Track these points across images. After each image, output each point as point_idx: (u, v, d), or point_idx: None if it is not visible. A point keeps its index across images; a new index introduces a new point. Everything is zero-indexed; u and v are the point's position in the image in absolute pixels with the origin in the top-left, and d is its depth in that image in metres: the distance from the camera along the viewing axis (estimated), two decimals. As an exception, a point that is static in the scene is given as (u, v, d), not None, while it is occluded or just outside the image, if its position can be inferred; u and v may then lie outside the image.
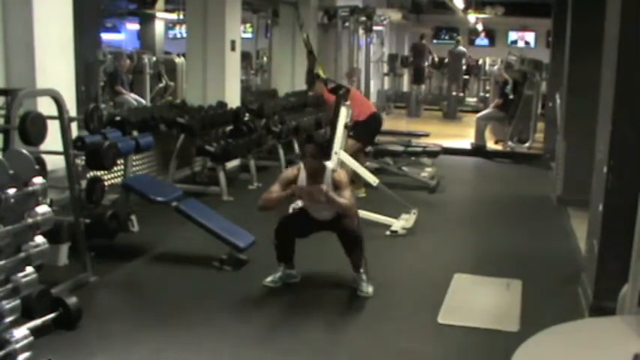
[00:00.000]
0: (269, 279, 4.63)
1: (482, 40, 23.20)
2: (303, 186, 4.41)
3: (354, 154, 6.85)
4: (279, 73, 12.43)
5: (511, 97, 11.19)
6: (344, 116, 6.26)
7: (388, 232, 5.94)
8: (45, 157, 4.23)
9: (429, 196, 7.72)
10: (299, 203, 4.68)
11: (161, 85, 13.12)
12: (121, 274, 4.79)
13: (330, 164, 4.57)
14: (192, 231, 5.17)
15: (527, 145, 11.20)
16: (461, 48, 17.34)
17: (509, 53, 12.45)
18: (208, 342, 3.74)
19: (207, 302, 4.34)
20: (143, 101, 11.72)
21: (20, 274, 2.76)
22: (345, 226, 4.39)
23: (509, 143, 11.13)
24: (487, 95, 15.28)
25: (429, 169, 8.62)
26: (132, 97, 11.58)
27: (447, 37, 22.42)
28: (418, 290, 4.73)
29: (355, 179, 6.65)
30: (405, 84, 19.08)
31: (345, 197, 4.33)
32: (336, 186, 4.37)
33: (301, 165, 4.50)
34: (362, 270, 4.51)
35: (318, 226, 4.54)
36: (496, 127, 11.47)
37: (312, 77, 10.81)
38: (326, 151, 4.58)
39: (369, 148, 7.82)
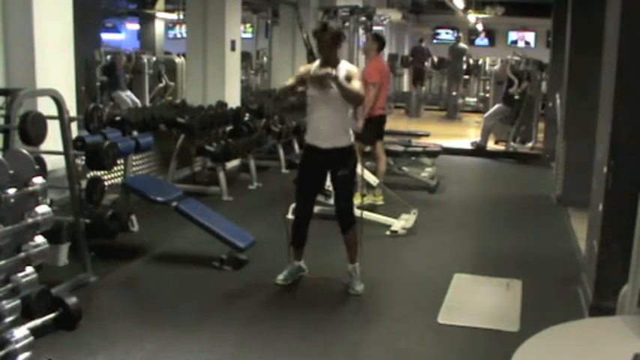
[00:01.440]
0: (280, 277, 4.63)
1: (482, 40, 23.21)
2: (313, 69, 4.38)
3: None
4: (279, 73, 12.43)
5: (516, 97, 11.18)
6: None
7: (388, 232, 5.94)
8: (45, 157, 4.23)
9: (429, 196, 7.72)
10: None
11: (161, 85, 13.13)
12: (121, 274, 4.79)
13: (344, 61, 4.54)
14: (192, 231, 5.17)
15: (529, 145, 11.20)
16: (462, 45, 17.33)
17: (513, 53, 12.45)
18: (208, 342, 3.74)
19: (208, 302, 4.34)
20: (138, 101, 11.72)
21: (20, 274, 2.76)
22: (345, 161, 4.45)
23: (512, 143, 11.12)
24: (487, 95, 15.27)
25: (429, 169, 8.62)
26: (126, 95, 11.60)
27: (445, 35, 22.42)
28: (418, 290, 4.73)
29: (372, 187, 6.65)
30: (405, 84, 19.09)
31: (355, 86, 4.31)
32: (347, 78, 4.33)
33: (315, 63, 4.49)
34: (357, 264, 4.54)
35: (326, 162, 4.50)
36: (497, 127, 11.44)
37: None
38: (341, 38, 4.51)
39: (368, 148, 7.82)
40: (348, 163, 4.49)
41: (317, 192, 4.79)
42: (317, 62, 4.48)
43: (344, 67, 4.40)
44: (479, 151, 11.06)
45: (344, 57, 7.26)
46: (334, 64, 4.38)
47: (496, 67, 12.79)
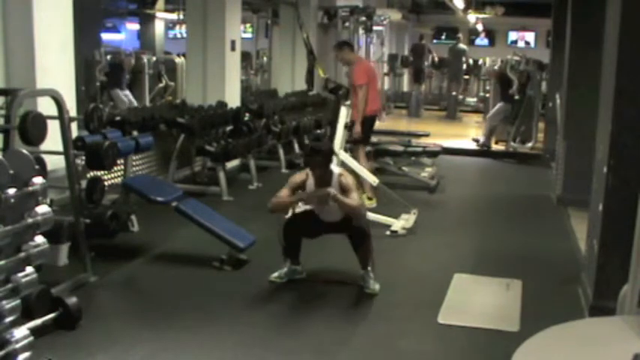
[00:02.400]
0: (275, 274, 4.66)
1: (482, 40, 23.21)
2: (311, 191, 4.46)
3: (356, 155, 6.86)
4: (279, 73, 12.43)
5: (517, 97, 11.18)
6: (344, 116, 6.27)
7: (388, 232, 5.94)
8: (45, 157, 4.23)
9: (429, 196, 7.72)
10: (307, 207, 4.70)
11: (161, 85, 13.12)
12: (121, 274, 4.79)
13: (336, 169, 4.61)
14: (192, 231, 5.17)
15: (529, 145, 11.21)
16: (461, 45, 17.33)
17: (513, 53, 12.45)
18: (208, 342, 3.74)
19: (208, 302, 4.34)
20: (134, 102, 11.72)
21: (20, 274, 2.76)
22: (353, 224, 4.46)
23: (512, 144, 11.13)
24: (487, 95, 15.29)
25: (429, 169, 8.62)
26: (124, 95, 11.63)
27: (445, 37, 22.42)
28: (418, 290, 4.73)
29: (365, 189, 6.64)
30: (405, 84, 19.09)
31: (353, 199, 4.38)
32: (343, 189, 4.41)
33: (309, 171, 4.54)
34: (369, 267, 4.55)
35: (327, 228, 4.61)
36: (499, 127, 11.45)
37: (312, 77, 10.82)
38: (331, 157, 4.65)
39: (368, 148, 7.81)
40: (353, 224, 4.49)
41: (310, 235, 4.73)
42: (310, 180, 4.50)
43: (336, 180, 4.45)
44: (482, 151, 11.06)
45: (345, 57, 7.32)
46: (328, 179, 4.45)
47: (488, 66, 12.77)
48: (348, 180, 4.50)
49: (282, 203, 4.50)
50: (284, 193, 4.49)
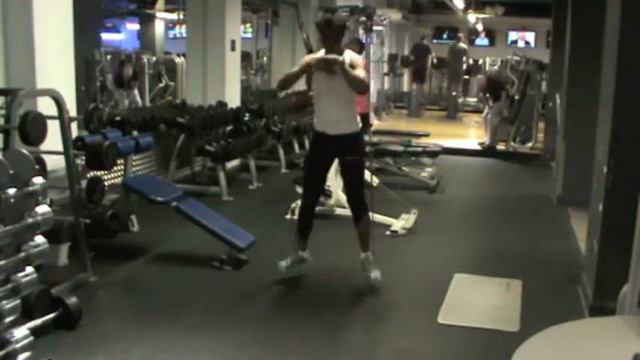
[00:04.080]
0: (282, 263, 4.68)
1: (482, 40, 23.20)
2: (319, 56, 4.45)
3: None
4: (279, 73, 12.39)
5: (516, 97, 11.19)
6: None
7: (388, 232, 5.94)
8: (45, 157, 4.23)
9: (429, 196, 7.72)
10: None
11: (161, 85, 13.13)
12: (121, 274, 4.79)
13: (347, 52, 4.58)
14: (192, 231, 5.17)
15: (529, 145, 11.21)
16: (461, 45, 17.32)
17: (513, 53, 12.45)
18: (208, 342, 3.74)
19: (207, 302, 4.34)
20: (140, 102, 11.82)
21: (20, 274, 2.76)
22: (354, 148, 4.52)
23: (512, 143, 11.13)
24: (487, 95, 15.29)
25: (429, 169, 8.62)
26: (127, 94, 11.76)
27: (446, 37, 22.42)
28: (418, 290, 4.74)
29: None
30: (405, 84, 19.09)
31: (359, 74, 4.37)
32: (352, 65, 4.39)
33: (318, 53, 4.56)
34: (369, 252, 4.58)
35: (334, 148, 4.57)
36: (500, 127, 11.45)
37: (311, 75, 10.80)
38: (344, 30, 4.63)
39: (368, 148, 7.81)
40: (357, 149, 4.57)
41: (324, 180, 4.84)
42: (321, 52, 4.55)
43: (348, 56, 4.46)
44: (482, 151, 11.07)
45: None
46: (338, 53, 4.44)
47: (479, 77, 12.80)
48: (357, 59, 4.51)
49: (291, 74, 4.59)
50: (295, 69, 4.57)
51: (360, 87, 4.42)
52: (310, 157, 4.79)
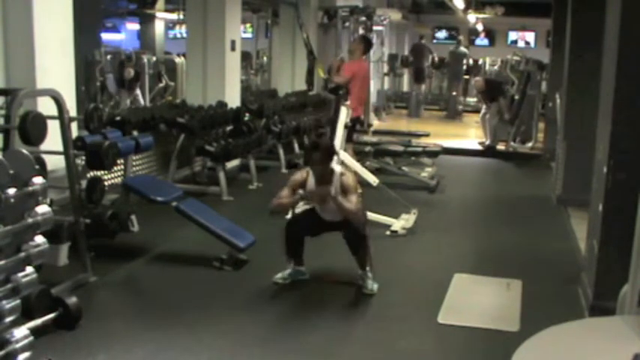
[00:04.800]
0: (278, 276, 4.65)
1: (482, 40, 23.20)
2: (312, 189, 4.45)
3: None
4: (279, 73, 12.43)
5: (516, 97, 11.19)
6: (344, 116, 6.28)
7: (388, 232, 5.94)
8: (45, 157, 4.23)
9: (429, 196, 7.72)
10: (308, 206, 4.71)
11: (161, 85, 13.13)
12: (121, 274, 4.79)
13: (337, 168, 4.60)
14: (192, 231, 5.17)
15: (529, 145, 11.21)
16: (462, 49, 17.34)
17: (513, 53, 12.46)
18: (208, 342, 3.74)
19: (207, 302, 4.34)
20: (142, 101, 11.84)
21: (20, 274, 2.76)
22: (350, 226, 4.45)
23: (512, 143, 11.13)
24: (484, 96, 15.31)
25: (429, 169, 8.62)
26: (130, 94, 11.80)
27: (445, 37, 22.43)
28: (418, 290, 4.73)
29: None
30: (405, 84, 19.09)
31: (352, 202, 4.36)
32: (344, 190, 4.39)
33: (309, 169, 4.53)
34: (367, 268, 4.55)
35: (327, 226, 4.60)
36: (500, 127, 11.46)
37: (312, 77, 10.84)
38: (332, 154, 4.64)
39: (368, 148, 7.82)
40: (353, 224, 4.47)
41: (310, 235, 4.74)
42: (310, 179, 4.49)
43: (337, 179, 4.42)
44: (482, 151, 11.07)
45: (344, 56, 7.36)
46: (329, 177, 4.42)
47: (476, 79, 12.81)
48: (350, 180, 4.47)
49: (283, 204, 4.52)
50: (284, 193, 4.50)
51: (352, 219, 4.41)
52: (298, 218, 4.81)
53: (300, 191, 4.46)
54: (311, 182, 4.49)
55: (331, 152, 4.60)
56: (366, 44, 7.48)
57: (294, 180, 4.55)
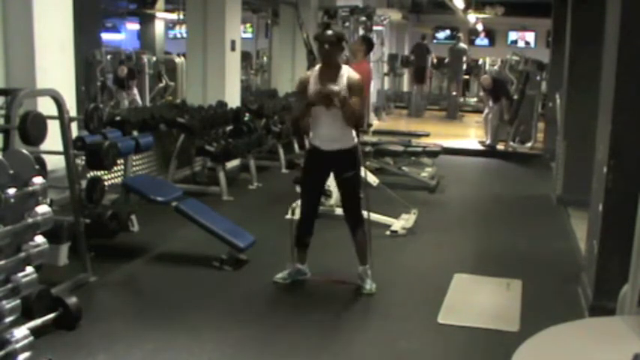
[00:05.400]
0: (279, 276, 4.66)
1: (482, 40, 23.19)
2: (316, 89, 4.28)
3: None
4: (279, 73, 12.43)
5: (515, 97, 11.19)
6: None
7: (388, 232, 5.93)
8: (45, 157, 4.23)
9: (429, 196, 7.72)
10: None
11: (161, 85, 13.14)
12: (121, 274, 4.79)
13: (345, 67, 4.42)
14: (192, 231, 5.17)
15: (528, 145, 11.21)
16: (462, 45, 17.34)
17: (512, 53, 12.45)
18: (208, 342, 3.74)
19: (207, 302, 4.34)
20: (139, 102, 11.87)
21: (20, 274, 2.75)
22: (347, 163, 4.44)
23: (512, 143, 11.13)
24: (489, 95, 15.31)
25: (429, 169, 8.62)
26: (127, 94, 11.84)
27: (445, 37, 22.43)
28: (418, 290, 4.73)
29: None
30: (405, 84, 19.09)
31: (355, 104, 4.27)
32: (350, 88, 4.27)
33: (314, 68, 4.44)
34: (368, 265, 4.54)
35: (327, 165, 4.49)
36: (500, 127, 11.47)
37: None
38: (342, 42, 4.41)
39: (368, 148, 7.81)
40: (353, 165, 4.48)
41: (321, 194, 4.75)
42: (317, 67, 4.44)
43: (345, 74, 4.32)
44: (482, 151, 11.07)
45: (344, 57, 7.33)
46: (336, 69, 4.34)
47: (484, 76, 12.81)
48: (356, 80, 4.33)
49: (296, 120, 4.52)
50: (296, 105, 4.51)
51: (352, 122, 4.33)
52: (306, 172, 4.64)
53: (308, 96, 4.33)
54: (312, 82, 4.35)
55: (341, 40, 4.39)
56: (368, 45, 7.43)
57: (299, 82, 4.50)
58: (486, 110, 11.62)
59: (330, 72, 4.32)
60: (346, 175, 4.46)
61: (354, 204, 4.54)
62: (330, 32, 4.33)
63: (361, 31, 12.95)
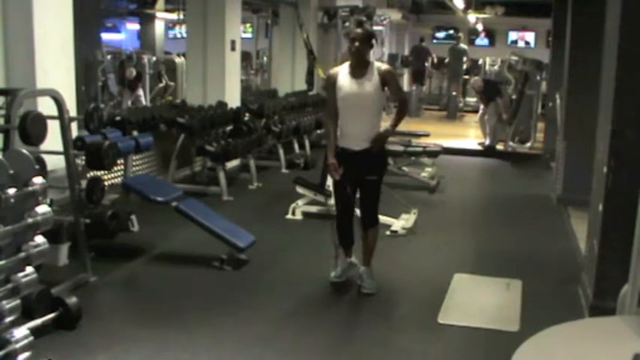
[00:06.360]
0: (333, 274, 4.64)
1: (482, 40, 23.20)
2: (347, 91, 4.34)
3: None
4: (279, 73, 12.43)
5: (513, 96, 11.19)
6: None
7: (388, 232, 5.93)
8: (45, 157, 4.23)
9: (429, 196, 7.72)
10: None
11: (161, 85, 13.14)
12: (121, 274, 4.79)
13: (377, 62, 4.49)
14: (192, 231, 5.17)
15: (528, 145, 11.21)
16: (462, 45, 17.35)
17: (511, 53, 12.44)
18: (208, 342, 3.74)
19: (207, 302, 4.34)
20: (143, 102, 11.89)
21: (20, 274, 2.76)
22: (370, 177, 4.46)
23: (511, 143, 11.13)
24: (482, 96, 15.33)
25: (429, 169, 8.62)
26: (132, 94, 11.87)
27: (445, 37, 22.43)
28: (418, 290, 4.73)
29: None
30: (405, 84, 19.08)
31: (397, 95, 4.48)
32: (385, 81, 4.32)
33: (343, 65, 4.45)
34: (370, 266, 4.54)
35: (358, 164, 4.41)
36: (499, 127, 11.47)
37: (312, 77, 10.82)
38: (372, 39, 4.47)
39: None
40: (378, 168, 4.49)
41: (355, 191, 4.57)
42: (345, 65, 4.44)
43: (375, 68, 4.34)
44: (482, 151, 11.06)
45: (344, 59, 7.32)
46: (365, 65, 4.35)
47: (474, 79, 12.80)
48: (387, 70, 4.40)
49: (328, 134, 4.50)
50: (329, 100, 4.47)
51: (406, 113, 4.53)
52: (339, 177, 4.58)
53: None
54: (342, 78, 4.36)
55: (372, 37, 4.45)
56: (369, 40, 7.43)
57: (328, 77, 4.52)
58: (481, 111, 11.62)
59: (360, 68, 4.35)
60: (371, 177, 4.45)
61: (372, 205, 4.55)
62: (360, 30, 4.43)
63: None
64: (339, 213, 4.61)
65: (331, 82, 4.43)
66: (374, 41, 4.49)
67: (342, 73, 4.39)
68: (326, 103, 4.57)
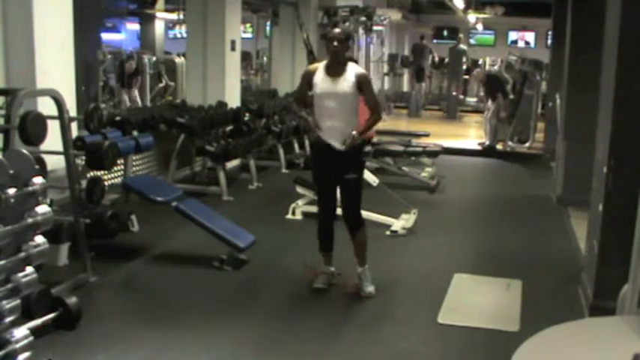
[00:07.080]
0: (317, 283, 4.59)
1: (484, 37, 23.18)
2: (322, 89, 4.36)
3: None
4: (279, 73, 12.44)
5: (511, 96, 11.19)
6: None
7: (388, 232, 5.93)
8: (45, 157, 4.23)
9: (429, 196, 7.72)
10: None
11: (161, 85, 13.15)
12: (121, 274, 4.79)
13: (354, 65, 4.50)
14: (192, 231, 5.17)
15: (527, 145, 11.21)
16: (462, 46, 17.36)
17: (509, 53, 12.45)
18: (208, 342, 3.74)
19: (207, 302, 4.34)
20: (139, 102, 11.91)
21: (20, 274, 2.76)
22: (348, 176, 4.43)
23: (510, 143, 11.14)
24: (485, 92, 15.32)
25: (429, 169, 8.62)
26: (128, 94, 11.90)
27: (445, 37, 22.44)
28: (418, 290, 4.73)
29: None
30: (405, 84, 19.10)
31: (371, 101, 4.40)
32: (360, 85, 4.33)
33: (321, 63, 4.47)
34: (366, 266, 4.52)
35: (335, 160, 4.40)
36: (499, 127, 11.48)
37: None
38: (349, 39, 4.52)
39: (368, 148, 7.80)
40: (356, 166, 4.47)
41: (336, 193, 4.58)
42: (322, 63, 4.45)
43: (352, 72, 4.35)
44: (482, 151, 11.07)
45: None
46: (342, 65, 4.36)
47: (477, 70, 12.79)
48: (363, 75, 4.40)
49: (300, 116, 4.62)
50: (298, 89, 4.58)
51: (377, 122, 4.52)
52: (316, 172, 4.63)
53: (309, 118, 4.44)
54: (319, 76, 4.37)
55: (349, 38, 4.49)
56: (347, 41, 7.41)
57: (306, 71, 4.56)
58: (486, 112, 11.62)
59: (337, 68, 4.36)
60: (349, 176, 4.42)
61: (354, 205, 4.51)
62: (338, 30, 4.45)
63: (361, 31, 12.98)
64: (319, 214, 4.60)
65: (307, 76, 4.47)
66: (350, 42, 4.55)
67: (320, 70, 4.41)
68: (297, 91, 4.61)
